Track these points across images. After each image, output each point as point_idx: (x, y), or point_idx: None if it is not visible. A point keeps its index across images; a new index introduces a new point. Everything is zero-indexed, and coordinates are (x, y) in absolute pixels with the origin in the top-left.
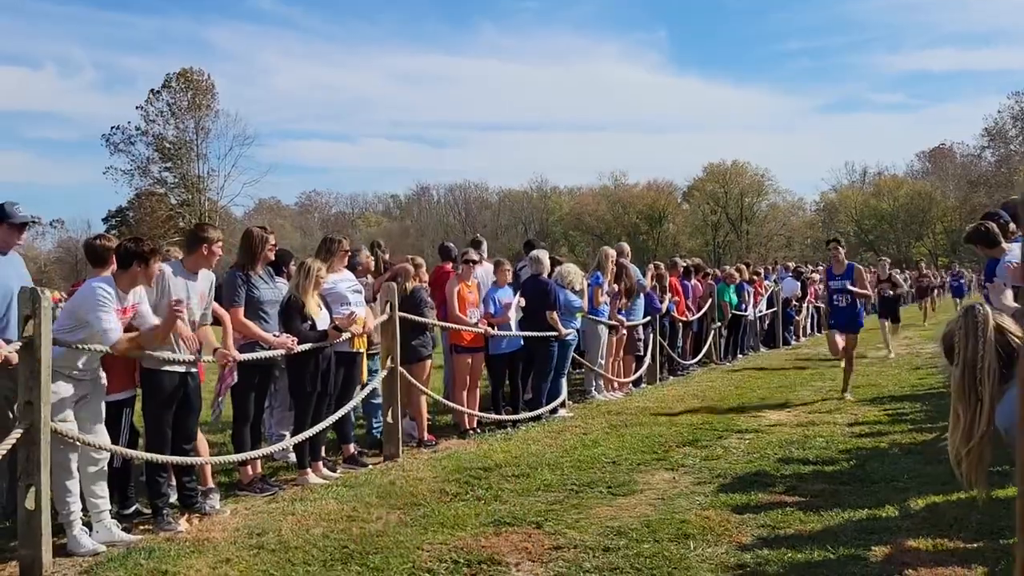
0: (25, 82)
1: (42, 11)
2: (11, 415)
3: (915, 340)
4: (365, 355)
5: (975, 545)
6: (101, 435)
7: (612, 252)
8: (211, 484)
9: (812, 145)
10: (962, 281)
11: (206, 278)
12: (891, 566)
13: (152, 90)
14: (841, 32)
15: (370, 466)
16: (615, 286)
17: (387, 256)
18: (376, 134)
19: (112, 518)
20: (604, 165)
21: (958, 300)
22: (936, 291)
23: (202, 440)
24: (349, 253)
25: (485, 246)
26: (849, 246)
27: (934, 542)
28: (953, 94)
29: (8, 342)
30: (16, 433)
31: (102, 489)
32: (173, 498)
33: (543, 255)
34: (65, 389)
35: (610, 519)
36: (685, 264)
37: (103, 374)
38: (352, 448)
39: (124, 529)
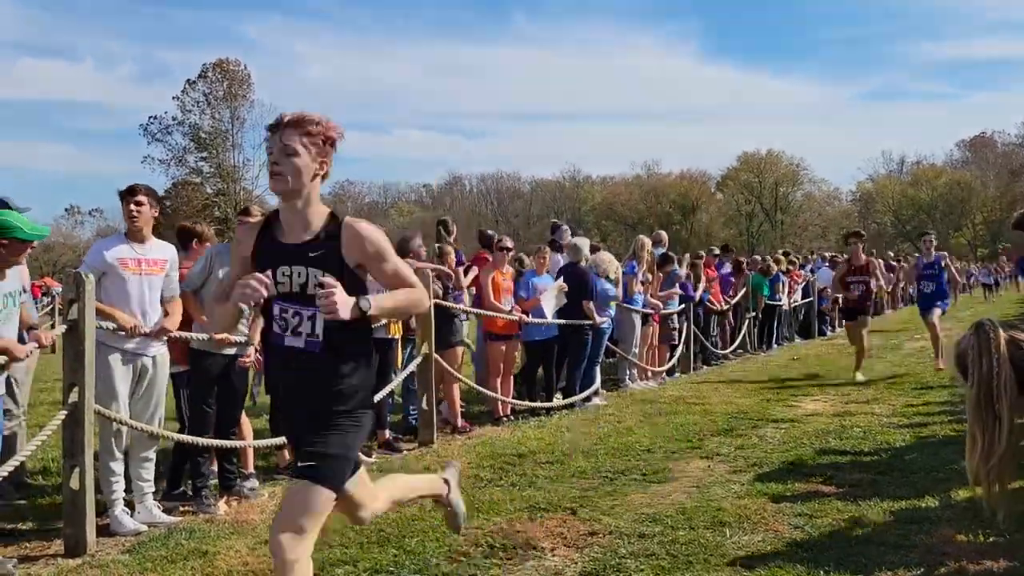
0: (65, 74)
1: (82, 5)
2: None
3: (955, 331)
4: (400, 341)
5: (1020, 536)
6: (156, 418)
7: (648, 241)
8: (251, 469)
9: (849, 134)
10: (996, 275)
11: None
12: (932, 556)
13: (188, 80)
14: (880, 20)
15: (405, 452)
16: (649, 275)
17: (453, 236)
18: (409, 124)
19: (156, 499)
20: (637, 154)
21: (989, 293)
22: (963, 285)
23: (247, 424)
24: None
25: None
26: (886, 236)
27: (976, 533)
28: (995, 83)
29: None
30: (61, 414)
31: (148, 471)
32: (213, 480)
33: (583, 243)
34: (118, 366)
35: (645, 506)
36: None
37: (165, 351)
38: (387, 434)
39: (167, 511)
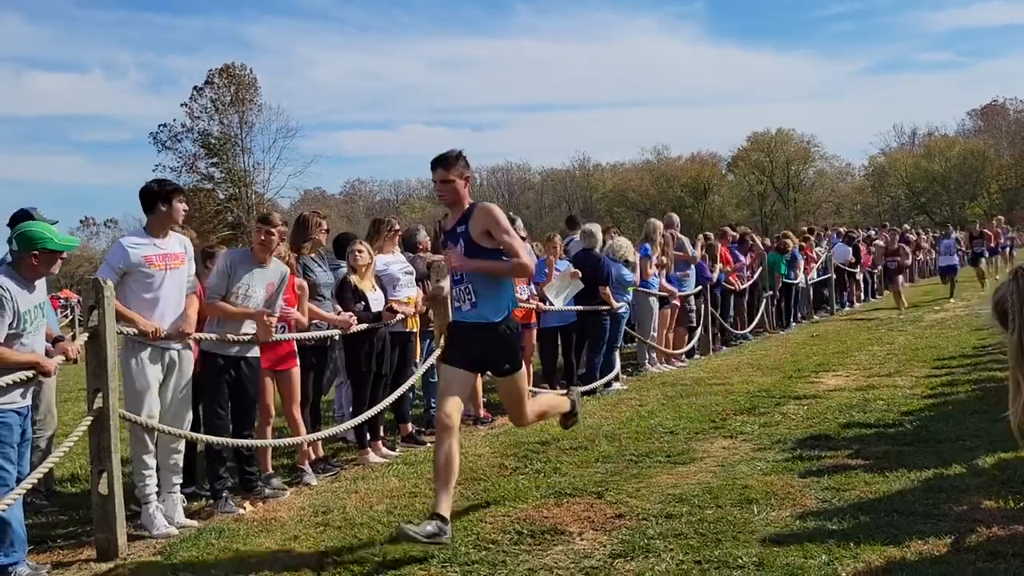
0: (73, 87)
1: (87, 17)
2: None
3: (973, 301)
4: (418, 334)
5: None
6: (186, 411)
7: (660, 224)
8: (270, 469)
9: (858, 109)
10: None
11: (276, 270)
12: (962, 524)
13: (196, 87)
14: None
15: (428, 444)
16: (663, 258)
17: None
18: (417, 120)
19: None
20: (646, 140)
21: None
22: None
23: (300, 424)
24: (398, 232)
25: (520, 223)
26: (901, 209)
27: (1006, 500)
28: (1004, 49)
29: None
30: (87, 420)
31: (178, 464)
32: (231, 482)
33: (596, 228)
34: (149, 360)
35: (671, 487)
36: (735, 234)
37: (188, 351)
38: (410, 427)
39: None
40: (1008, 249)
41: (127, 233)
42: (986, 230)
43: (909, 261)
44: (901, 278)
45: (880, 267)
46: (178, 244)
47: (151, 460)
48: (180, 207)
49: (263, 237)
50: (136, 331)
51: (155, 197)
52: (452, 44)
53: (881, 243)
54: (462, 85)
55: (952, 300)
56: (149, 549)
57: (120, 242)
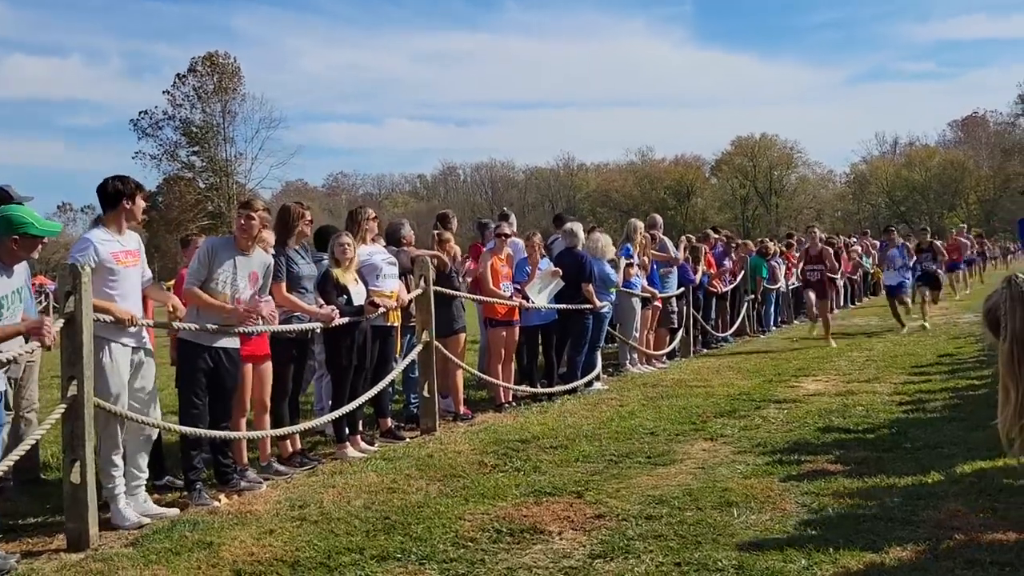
0: (54, 71)
1: (69, 1)
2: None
3: (951, 310)
4: (399, 329)
5: None
6: (153, 409)
7: (640, 224)
8: (245, 462)
9: (842, 117)
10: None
11: (260, 259)
12: (940, 531)
13: (178, 74)
14: (868, 3)
15: (407, 440)
16: (644, 259)
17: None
18: (401, 114)
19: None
20: (631, 141)
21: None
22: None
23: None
24: (376, 220)
25: (513, 219)
26: (881, 217)
27: (983, 507)
28: (985, 61)
29: None
30: (60, 408)
31: (143, 461)
32: (205, 474)
33: (577, 227)
34: (122, 359)
35: (651, 488)
36: (718, 236)
37: (151, 356)
38: (389, 422)
39: (155, 501)
40: (974, 265)
41: (89, 228)
42: (938, 242)
43: (838, 277)
44: (814, 296)
45: (840, 278)
46: (134, 241)
47: (119, 459)
48: (142, 204)
49: (243, 222)
50: (112, 319)
51: (119, 195)
52: (439, 38)
53: (859, 249)
54: (448, 80)
55: (904, 330)
56: (121, 540)
57: (87, 237)
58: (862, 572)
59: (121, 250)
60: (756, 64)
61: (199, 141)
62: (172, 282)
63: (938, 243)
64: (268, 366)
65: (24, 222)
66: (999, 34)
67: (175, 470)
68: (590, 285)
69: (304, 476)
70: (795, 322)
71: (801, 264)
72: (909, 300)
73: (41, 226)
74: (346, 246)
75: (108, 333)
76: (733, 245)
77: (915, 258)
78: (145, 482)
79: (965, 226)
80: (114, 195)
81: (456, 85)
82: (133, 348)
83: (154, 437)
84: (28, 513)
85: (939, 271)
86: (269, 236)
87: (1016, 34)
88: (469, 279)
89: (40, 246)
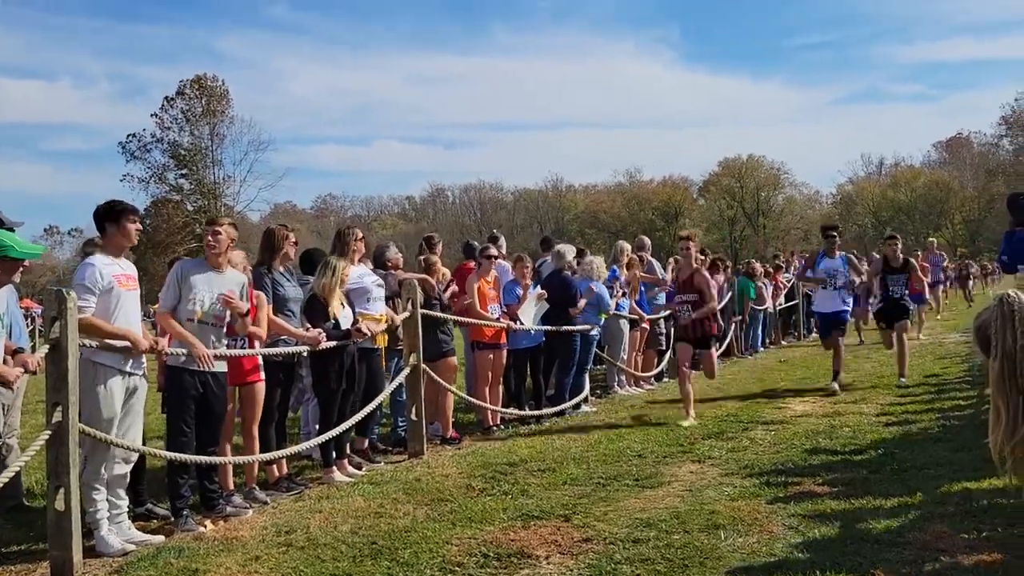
0: (42, 95)
1: (56, 24)
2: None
3: (937, 330)
4: (383, 352)
5: (1013, 531)
6: (135, 436)
7: (627, 246)
8: (232, 487)
9: (828, 138)
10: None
11: (235, 279)
12: (926, 552)
13: (167, 97)
14: (855, 24)
15: (383, 463)
16: (633, 280)
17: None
18: (390, 137)
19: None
20: (619, 162)
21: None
22: (950, 281)
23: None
24: (363, 239)
25: (503, 241)
26: (867, 238)
27: (969, 528)
28: (970, 83)
29: None
30: (45, 434)
31: (124, 489)
32: (192, 500)
33: (567, 249)
34: (118, 387)
35: (639, 511)
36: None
37: (144, 379)
38: (366, 443)
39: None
40: (940, 286)
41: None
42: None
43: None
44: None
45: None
46: (131, 266)
47: (102, 485)
48: (138, 227)
49: (210, 238)
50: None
51: (118, 216)
52: (428, 61)
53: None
54: (437, 102)
55: (837, 386)
56: (105, 568)
57: (90, 263)
58: None
59: (122, 273)
60: (744, 85)
61: (187, 164)
62: (158, 305)
63: (916, 262)
64: (256, 388)
65: (3, 244)
66: (983, 56)
67: (157, 496)
68: (577, 309)
69: (291, 501)
70: (782, 343)
71: (879, 277)
72: (842, 343)
73: (21, 249)
74: (344, 277)
75: (109, 360)
76: (720, 266)
77: (875, 279)
78: (127, 510)
79: (934, 241)
80: (115, 217)
81: (445, 107)
82: (130, 374)
83: (133, 461)
84: (11, 541)
85: (906, 298)
86: (236, 256)
87: (999, 56)
88: (453, 302)
89: (21, 269)
